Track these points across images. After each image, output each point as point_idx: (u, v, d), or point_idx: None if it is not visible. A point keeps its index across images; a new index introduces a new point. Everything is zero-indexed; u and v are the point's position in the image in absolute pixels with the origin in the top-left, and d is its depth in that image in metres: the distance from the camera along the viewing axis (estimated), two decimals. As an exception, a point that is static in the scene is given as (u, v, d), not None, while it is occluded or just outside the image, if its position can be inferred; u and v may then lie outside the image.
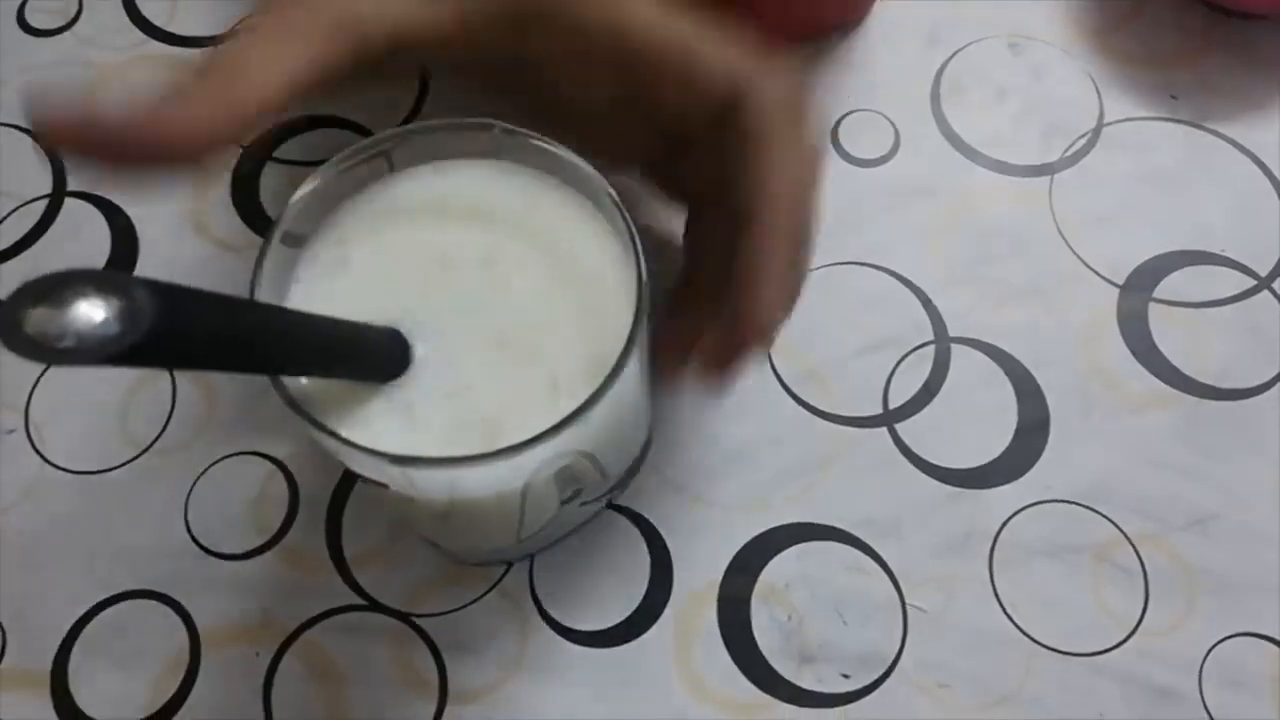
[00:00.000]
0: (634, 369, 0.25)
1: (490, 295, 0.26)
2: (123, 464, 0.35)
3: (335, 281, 0.27)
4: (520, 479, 0.26)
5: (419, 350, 0.26)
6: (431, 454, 0.23)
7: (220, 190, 0.39)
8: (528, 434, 0.23)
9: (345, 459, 0.25)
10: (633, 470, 0.34)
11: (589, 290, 0.26)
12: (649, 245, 0.26)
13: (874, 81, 0.41)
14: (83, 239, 0.39)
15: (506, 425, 0.24)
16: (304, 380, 0.25)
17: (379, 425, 0.25)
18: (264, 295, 0.25)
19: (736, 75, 0.25)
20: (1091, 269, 0.37)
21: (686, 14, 0.25)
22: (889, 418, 0.35)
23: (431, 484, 0.25)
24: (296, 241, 0.27)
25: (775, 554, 0.33)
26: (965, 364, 0.36)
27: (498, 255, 0.27)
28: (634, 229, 0.25)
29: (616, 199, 0.26)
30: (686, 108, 0.25)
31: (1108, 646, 0.32)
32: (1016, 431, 0.35)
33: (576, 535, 0.34)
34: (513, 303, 0.26)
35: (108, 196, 0.40)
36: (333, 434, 0.24)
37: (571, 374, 0.25)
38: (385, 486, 0.26)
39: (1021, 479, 0.34)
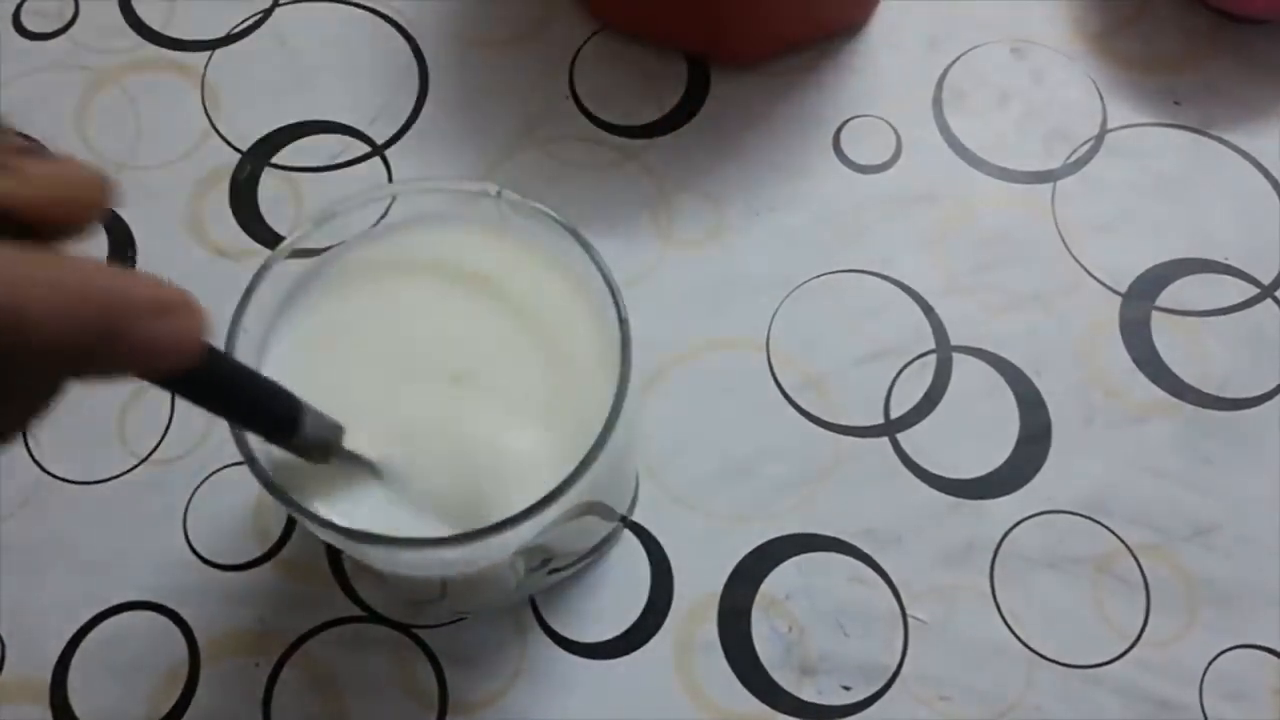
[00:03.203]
0: (619, 434, 0.25)
1: (473, 372, 0.26)
2: (121, 474, 0.35)
3: (314, 353, 0.27)
4: (490, 559, 0.26)
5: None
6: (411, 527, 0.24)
7: (218, 195, 0.39)
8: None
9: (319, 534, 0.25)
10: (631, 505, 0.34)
11: (570, 372, 0.26)
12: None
13: (876, 86, 0.41)
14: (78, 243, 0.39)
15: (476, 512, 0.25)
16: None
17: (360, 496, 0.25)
18: (250, 322, 0.25)
19: None
20: (1094, 277, 0.37)
21: None
22: (890, 427, 0.35)
23: (416, 566, 0.26)
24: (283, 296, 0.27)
25: (776, 565, 0.33)
26: (966, 373, 0.36)
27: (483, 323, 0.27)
28: (623, 312, 0.25)
29: (608, 273, 0.26)
30: None
31: (1109, 658, 0.32)
32: (1018, 441, 0.35)
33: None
34: (493, 379, 0.26)
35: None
36: (297, 505, 0.24)
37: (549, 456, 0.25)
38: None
39: (1023, 489, 0.34)
